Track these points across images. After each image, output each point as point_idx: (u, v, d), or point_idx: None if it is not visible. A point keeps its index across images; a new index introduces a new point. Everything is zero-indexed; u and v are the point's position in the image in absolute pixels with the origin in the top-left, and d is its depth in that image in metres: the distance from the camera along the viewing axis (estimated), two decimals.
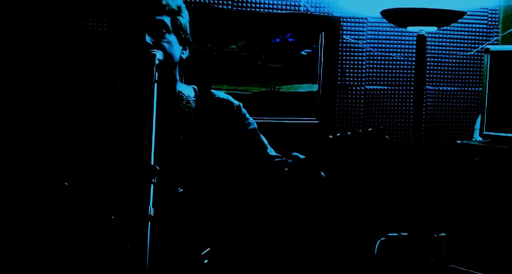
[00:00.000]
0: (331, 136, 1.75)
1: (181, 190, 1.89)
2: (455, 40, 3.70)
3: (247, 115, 2.12)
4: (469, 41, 3.72)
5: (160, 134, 1.67)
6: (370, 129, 1.72)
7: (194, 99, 2.05)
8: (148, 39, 1.85)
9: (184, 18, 1.98)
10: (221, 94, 2.12)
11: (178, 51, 1.96)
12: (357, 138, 1.71)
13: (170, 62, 1.92)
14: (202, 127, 2.01)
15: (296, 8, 3.39)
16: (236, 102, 2.11)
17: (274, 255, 3.36)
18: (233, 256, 2.02)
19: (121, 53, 1.94)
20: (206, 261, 1.87)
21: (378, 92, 3.61)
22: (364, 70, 3.57)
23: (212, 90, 2.12)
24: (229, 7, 3.28)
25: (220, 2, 3.27)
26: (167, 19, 1.91)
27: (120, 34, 1.91)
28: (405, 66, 3.64)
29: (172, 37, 1.93)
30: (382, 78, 3.61)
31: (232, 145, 2.04)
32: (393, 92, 3.64)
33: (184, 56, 2.00)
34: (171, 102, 1.99)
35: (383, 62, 3.60)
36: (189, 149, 1.95)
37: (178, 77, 2.03)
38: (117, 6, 1.93)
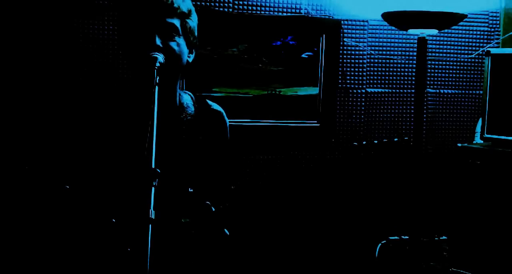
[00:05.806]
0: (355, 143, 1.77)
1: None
2: (456, 43, 3.70)
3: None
4: (470, 44, 3.72)
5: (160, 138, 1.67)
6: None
7: (191, 105, 2.06)
8: (158, 41, 1.86)
9: (193, 21, 1.99)
10: (215, 105, 2.14)
11: (186, 54, 1.97)
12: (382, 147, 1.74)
13: (177, 64, 1.93)
14: (197, 135, 2.02)
15: (297, 11, 3.39)
16: (227, 120, 2.15)
17: (277, 258, 3.36)
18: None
19: (125, 56, 1.95)
20: None
21: (379, 95, 3.61)
22: (365, 73, 3.56)
23: (207, 100, 2.14)
24: (230, 10, 3.28)
25: (221, 5, 3.27)
26: (177, 22, 1.91)
27: (129, 36, 1.91)
28: (406, 69, 3.64)
29: (181, 40, 1.93)
30: (383, 81, 3.61)
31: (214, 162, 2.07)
32: (394, 95, 3.64)
33: (190, 60, 2.01)
34: (172, 106, 2.00)
35: (384, 65, 3.60)
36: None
37: (179, 82, 2.03)
38: (128, 8, 1.94)
